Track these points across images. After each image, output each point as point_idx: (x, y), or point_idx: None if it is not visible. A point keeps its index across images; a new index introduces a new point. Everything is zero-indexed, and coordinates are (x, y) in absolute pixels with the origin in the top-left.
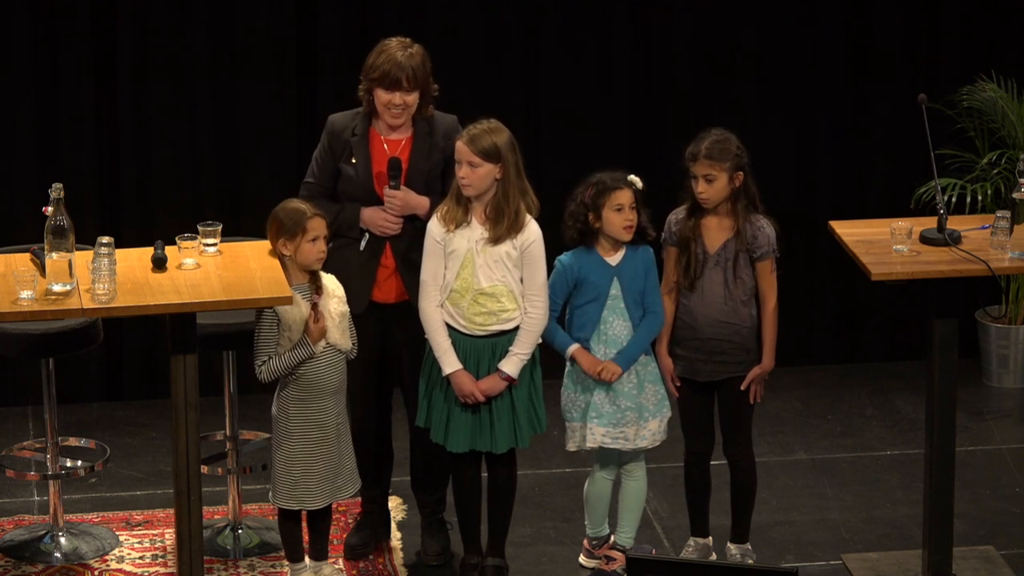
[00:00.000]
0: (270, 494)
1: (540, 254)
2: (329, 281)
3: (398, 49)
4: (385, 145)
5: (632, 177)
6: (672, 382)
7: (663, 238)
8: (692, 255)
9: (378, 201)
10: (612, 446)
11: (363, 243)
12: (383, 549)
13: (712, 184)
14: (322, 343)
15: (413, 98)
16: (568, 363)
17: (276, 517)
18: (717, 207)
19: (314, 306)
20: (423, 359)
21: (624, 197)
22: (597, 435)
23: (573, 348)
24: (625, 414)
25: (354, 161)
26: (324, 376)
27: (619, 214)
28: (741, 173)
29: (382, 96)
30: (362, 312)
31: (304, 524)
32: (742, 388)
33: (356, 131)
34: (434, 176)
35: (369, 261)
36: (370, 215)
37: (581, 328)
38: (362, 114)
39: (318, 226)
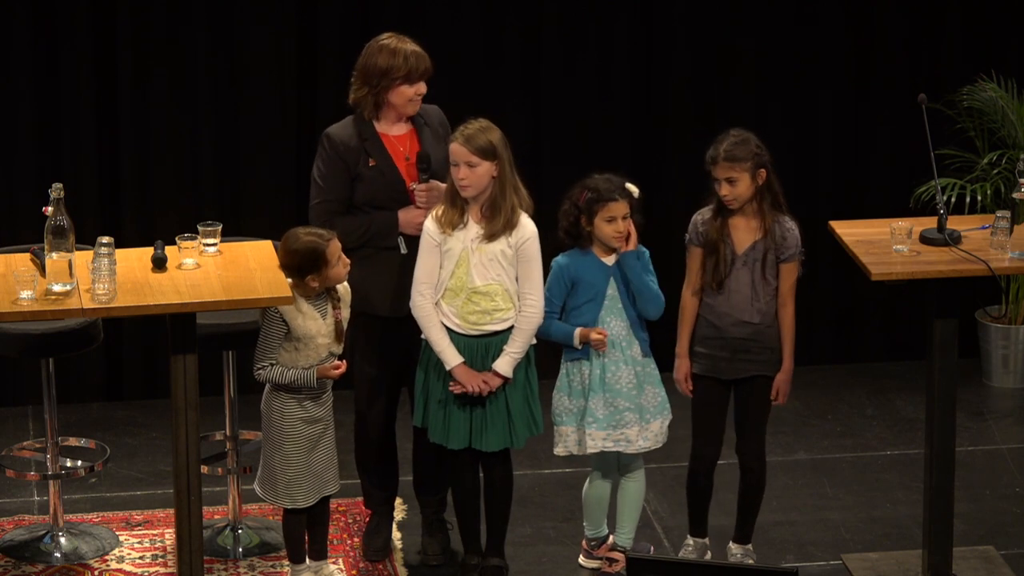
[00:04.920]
0: (256, 487)
1: (536, 252)
2: (342, 290)
3: (402, 43)
4: (397, 142)
5: (629, 185)
6: (686, 382)
7: (687, 238)
8: (721, 256)
9: (404, 196)
10: (613, 449)
11: (403, 247)
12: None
13: (735, 186)
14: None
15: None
16: (563, 364)
17: (276, 517)
18: (743, 207)
19: (339, 357)
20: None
21: (618, 209)
22: (597, 440)
23: (579, 330)
24: (623, 415)
25: (372, 163)
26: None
27: (610, 224)
28: (763, 171)
29: (406, 91)
30: (404, 315)
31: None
32: (772, 399)
33: (364, 135)
34: (446, 162)
35: (409, 262)
36: (407, 218)
37: None
38: (361, 120)
39: (336, 247)
